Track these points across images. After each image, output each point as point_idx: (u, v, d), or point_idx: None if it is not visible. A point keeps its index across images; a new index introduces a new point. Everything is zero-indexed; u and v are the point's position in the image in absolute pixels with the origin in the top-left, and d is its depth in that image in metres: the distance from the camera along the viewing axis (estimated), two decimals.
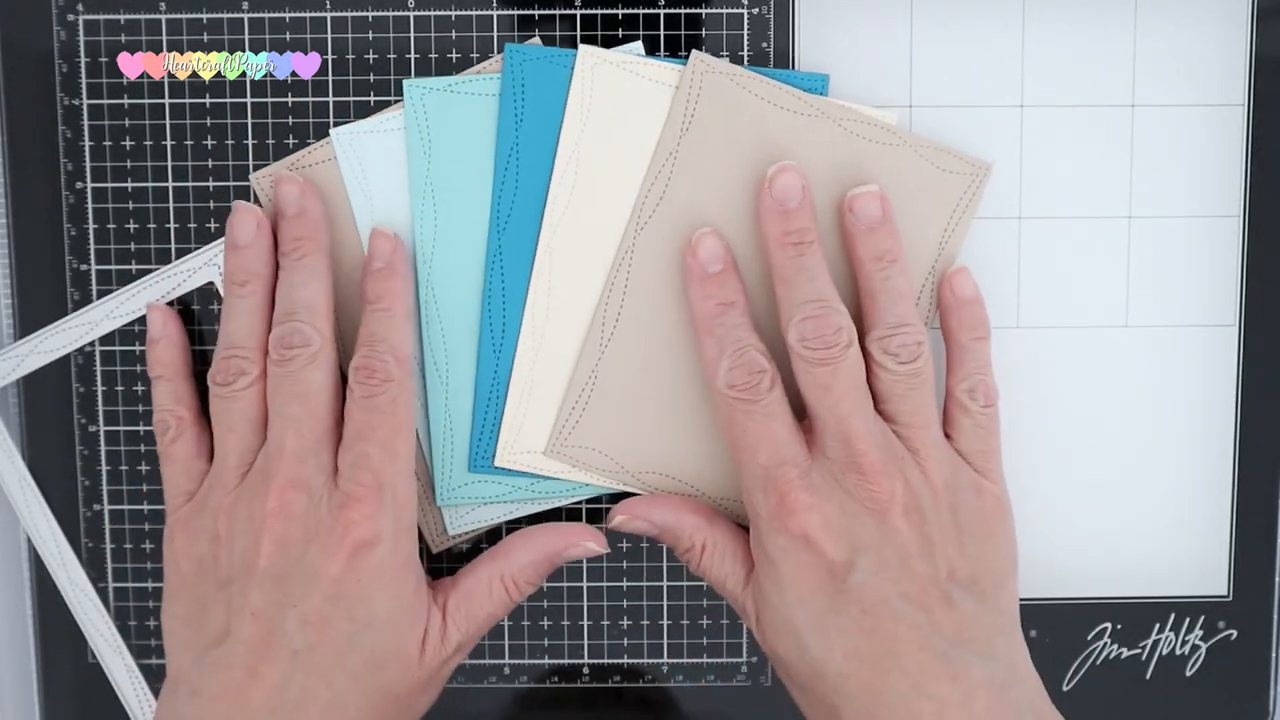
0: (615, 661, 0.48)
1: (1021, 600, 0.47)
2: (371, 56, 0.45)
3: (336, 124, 0.45)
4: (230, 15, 0.45)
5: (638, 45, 0.45)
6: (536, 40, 0.45)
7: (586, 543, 0.43)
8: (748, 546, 0.43)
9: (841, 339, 0.41)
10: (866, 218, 0.43)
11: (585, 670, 0.48)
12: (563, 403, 0.45)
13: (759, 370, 0.41)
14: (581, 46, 0.44)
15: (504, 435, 0.45)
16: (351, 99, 0.45)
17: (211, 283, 0.46)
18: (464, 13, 0.45)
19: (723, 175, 0.44)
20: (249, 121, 0.46)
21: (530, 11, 0.45)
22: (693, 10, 0.45)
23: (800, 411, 0.42)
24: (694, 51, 0.44)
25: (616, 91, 0.44)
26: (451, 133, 0.45)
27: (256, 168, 0.46)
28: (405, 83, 0.45)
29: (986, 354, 0.44)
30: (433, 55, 0.45)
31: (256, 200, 0.46)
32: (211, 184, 0.46)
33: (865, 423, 0.41)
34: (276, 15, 0.45)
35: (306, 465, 0.41)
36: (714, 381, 0.42)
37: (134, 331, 0.46)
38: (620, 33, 0.45)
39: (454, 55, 0.45)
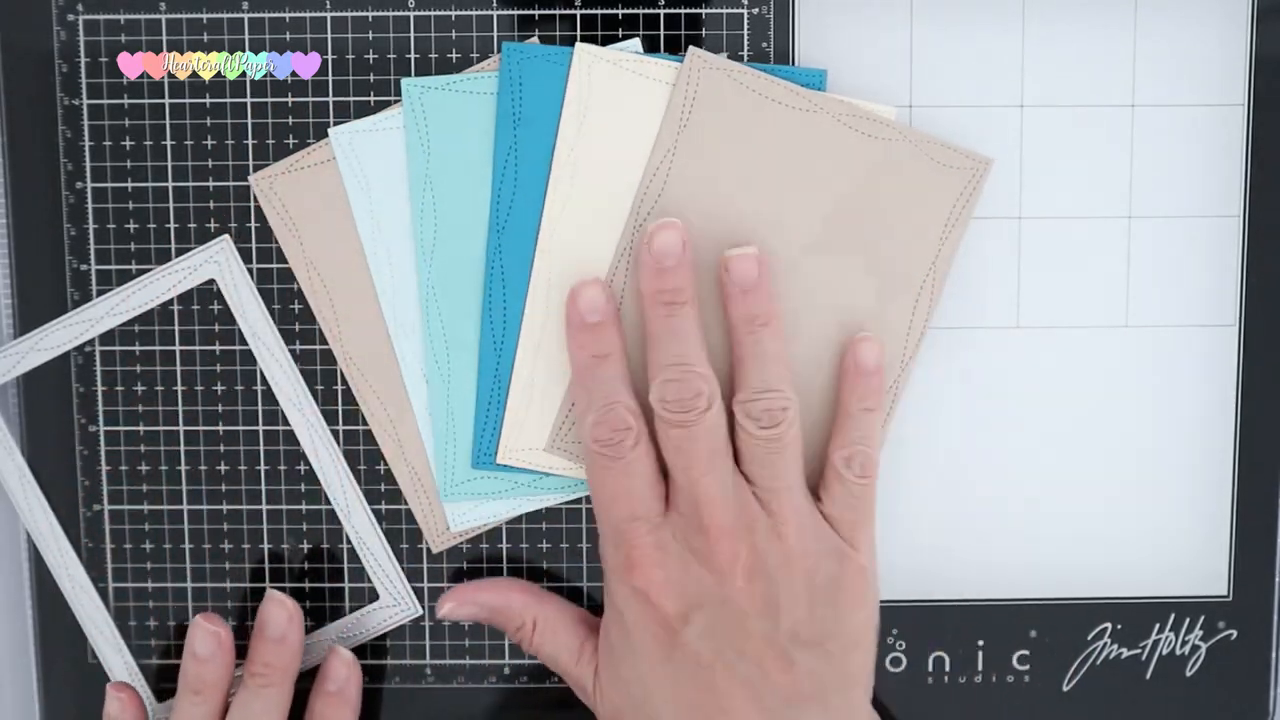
0: None
1: (1021, 600, 0.47)
2: (371, 56, 0.45)
3: (336, 124, 0.45)
4: (230, 15, 0.45)
5: (635, 43, 0.45)
6: (535, 40, 0.45)
7: None
8: (578, 619, 0.45)
9: (699, 404, 0.41)
10: (741, 280, 0.42)
11: None
12: (564, 398, 0.45)
13: (624, 427, 0.41)
14: (578, 44, 0.44)
15: (506, 432, 0.45)
16: (351, 99, 0.45)
17: (213, 280, 0.46)
18: (464, 13, 0.45)
19: (721, 171, 0.44)
20: (249, 121, 0.46)
21: (530, 11, 0.45)
22: (693, 10, 0.45)
23: None
24: (691, 48, 0.44)
25: (613, 89, 0.44)
26: (450, 131, 0.45)
27: (257, 168, 0.46)
28: (404, 81, 0.45)
29: (873, 425, 0.43)
30: (433, 55, 0.45)
31: (255, 201, 0.46)
32: (211, 184, 0.46)
33: (717, 485, 0.41)
34: (276, 15, 0.45)
35: None
36: (580, 433, 0.42)
37: (134, 331, 0.46)
38: (620, 32, 0.45)
39: (454, 55, 0.45)
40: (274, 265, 0.46)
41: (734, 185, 0.44)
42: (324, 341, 0.46)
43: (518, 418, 0.45)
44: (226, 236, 0.46)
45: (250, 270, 0.46)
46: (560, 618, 0.45)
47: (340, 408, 0.47)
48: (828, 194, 0.44)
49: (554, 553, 0.47)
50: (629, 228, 0.44)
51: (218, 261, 0.46)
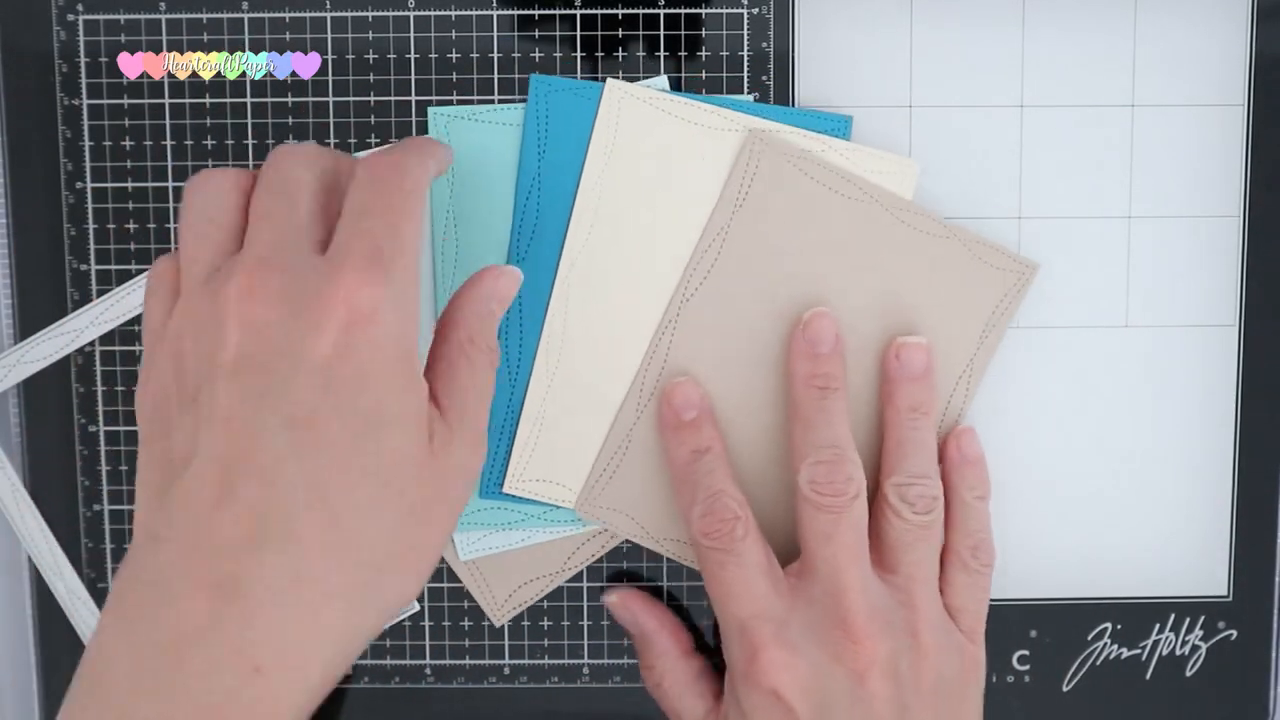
0: (615, 661, 0.48)
1: (1021, 600, 0.47)
2: (371, 56, 0.45)
3: (336, 123, 0.45)
4: (230, 15, 0.45)
5: (663, 80, 0.45)
6: (535, 39, 0.45)
7: (504, 284, 0.39)
8: (712, 685, 0.44)
9: (850, 489, 0.41)
10: (911, 368, 0.43)
11: (585, 670, 0.48)
12: (595, 462, 0.45)
13: (732, 517, 0.41)
14: (609, 80, 0.44)
15: (513, 463, 0.45)
16: (351, 99, 0.45)
17: None
18: (464, 13, 0.45)
19: (773, 255, 0.44)
20: (249, 121, 0.46)
21: (530, 11, 0.45)
22: (693, 10, 0.45)
23: (792, 552, 0.42)
24: (751, 130, 0.44)
25: (642, 127, 0.44)
26: (474, 161, 0.45)
27: (257, 168, 0.46)
28: (430, 111, 0.45)
29: (987, 513, 0.44)
30: (433, 55, 0.45)
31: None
32: None
33: (860, 578, 0.40)
34: (276, 15, 0.45)
35: (285, 246, 0.34)
36: (689, 529, 0.42)
37: (134, 331, 0.46)
38: (620, 33, 0.45)
39: (454, 55, 0.45)
40: None
41: (783, 267, 0.44)
42: None
43: (526, 448, 0.45)
44: None
45: None
46: (694, 683, 0.44)
47: None
48: (875, 284, 0.44)
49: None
50: (676, 300, 0.45)
51: None
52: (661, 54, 0.45)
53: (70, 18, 0.45)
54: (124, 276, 0.46)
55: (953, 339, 0.45)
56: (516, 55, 0.45)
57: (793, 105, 0.45)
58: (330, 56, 0.45)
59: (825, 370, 0.42)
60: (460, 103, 0.45)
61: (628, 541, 0.47)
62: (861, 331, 0.44)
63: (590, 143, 0.44)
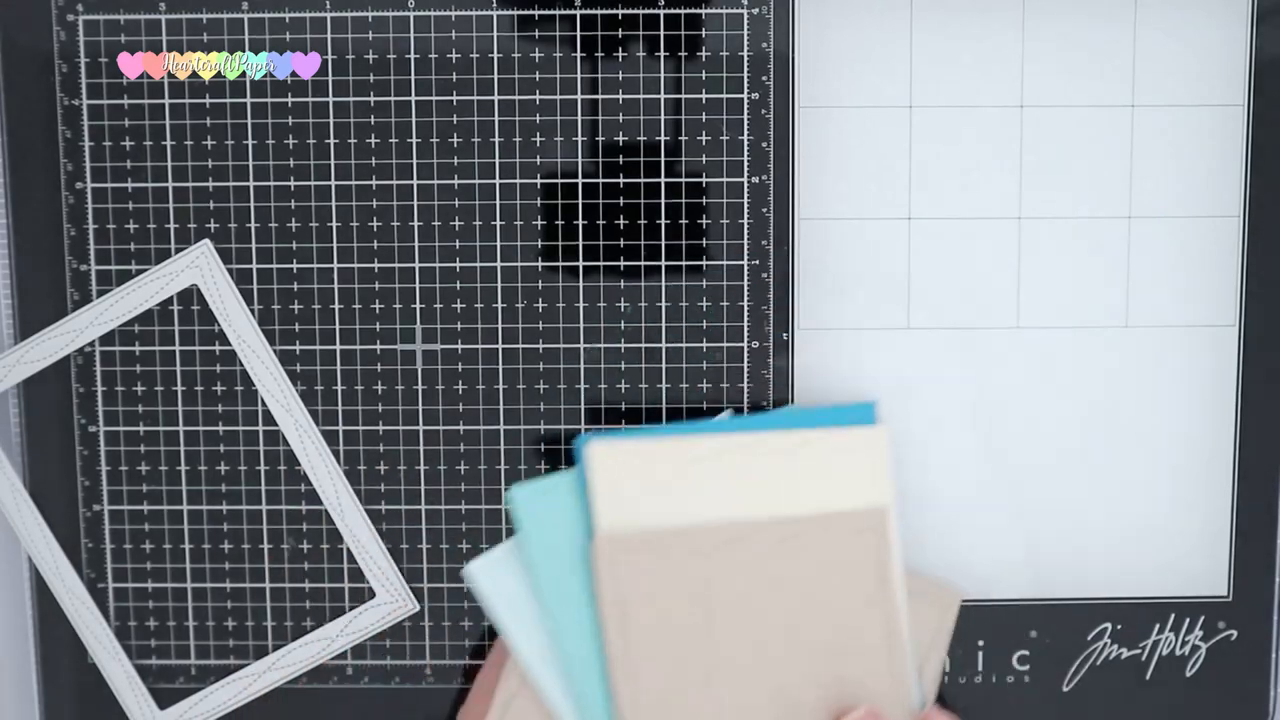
0: None
1: (1021, 600, 0.47)
2: (371, 56, 0.45)
3: (337, 124, 0.45)
4: (230, 15, 0.45)
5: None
6: (536, 37, 0.45)
7: None
8: None
9: None
10: None
11: None
12: None
13: None
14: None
15: None
16: (351, 99, 0.45)
17: (195, 285, 0.46)
18: (464, 13, 0.45)
19: (682, 637, 0.41)
20: (249, 121, 0.46)
21: (530, 11, 0.45)
22: (693, 10, 0.45)
23: None
24: (597, 540, 0.41)
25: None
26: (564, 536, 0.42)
27: (257, 168, 0.46)
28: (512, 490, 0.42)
29: None
30: (433, 55, 0.45)
31: (254, 201, 0.46)
32: (211, 184, 0.46)
33: None
34: (276, 15, 0.45)
35: None
36: None
37: (134, 331, 0.47)
38: (620, 33, 0.45)
39: (454, 55, 0.45)
40: (273, 265, 0.46)
41: (699, 643, 0.42)
42: (312, 341, 0.46)
43: None
44: (207, 240, 0.46)
45: (249, 271, 0.46)
46: None
47: (340, 408, 0.47)
48: (791, 626, 0.42)
49: None
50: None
51: (199, 266, 0.46)
52: (661, 54, 0.45)
53: (70, 18, 0.45)
54: (124, 276, 0.46)
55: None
56: (516, 55, 0.45)
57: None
58: (330, 56, 0.45)
59: None
60: (460, 104, 0.45)
61: None
62: (798, 679, 0.42)
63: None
